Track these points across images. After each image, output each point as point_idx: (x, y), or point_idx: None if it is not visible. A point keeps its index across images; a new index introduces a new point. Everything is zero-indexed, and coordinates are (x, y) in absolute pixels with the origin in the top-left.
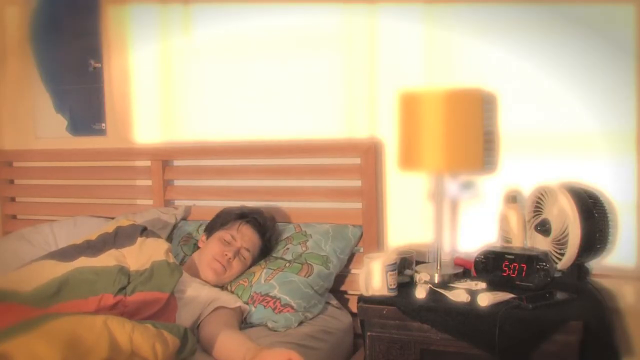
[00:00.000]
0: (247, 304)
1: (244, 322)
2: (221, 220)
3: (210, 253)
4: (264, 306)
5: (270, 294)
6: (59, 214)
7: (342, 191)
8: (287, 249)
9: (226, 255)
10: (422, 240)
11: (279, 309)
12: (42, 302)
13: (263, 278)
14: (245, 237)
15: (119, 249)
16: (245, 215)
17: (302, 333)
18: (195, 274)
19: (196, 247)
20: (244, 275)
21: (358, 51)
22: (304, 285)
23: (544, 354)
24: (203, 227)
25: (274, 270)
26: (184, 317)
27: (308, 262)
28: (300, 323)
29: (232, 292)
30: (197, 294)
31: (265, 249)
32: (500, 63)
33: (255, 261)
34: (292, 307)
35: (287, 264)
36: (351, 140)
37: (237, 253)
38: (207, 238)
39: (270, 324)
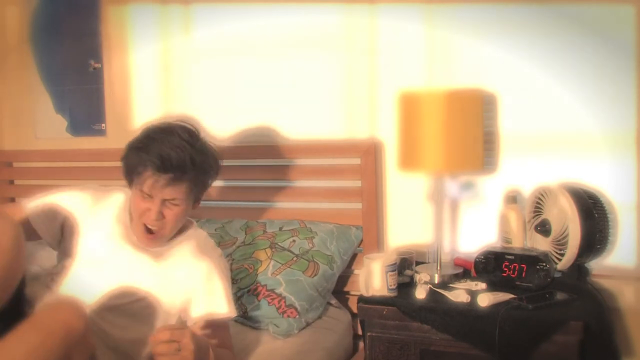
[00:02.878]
0: (249, 291)
1: (245, 317)
2: (133, 160)
3: (135, 210)
4: (269, 302)
5: (276, 291)
6: None
7: (342, 191)
8: (294, 241)
9: (151, 217)
10: (422, 240)
11: (283, 309)
12: None
13: (270, 270)
14: (164, 190)
15: None
16: (154, 161)
17: (302, 338)
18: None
19: None
20: (250, 260)
21: (358, 51)
22: (309, 287)
23: (544, 354)
24: (203, 227)
25: (282, 264)
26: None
27: (315, 260)
28: (302, 329)
29: (234, 278)
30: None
31: (201, 181)
32: (501, 63)
33: (197, 195)
34: (295, 309)
35: (295, 259)
36: (351, 141)
37: (162, 206)
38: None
39: (272, 328)
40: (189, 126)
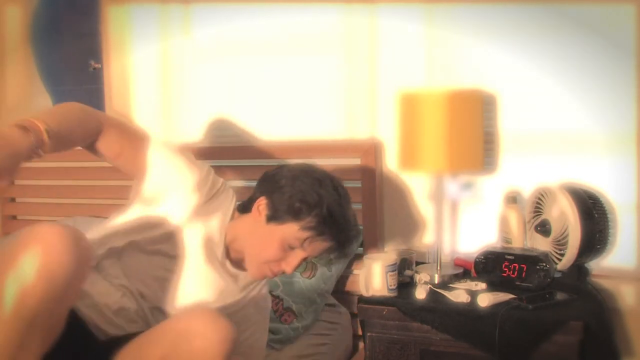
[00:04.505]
0: None
1: None
2: (298, 203)
3: (265, 255)
4: None
5: (274, 293)
6: (58, 214)
7: None
8: None
9: (281, 269)
10: (422, 240)
11: (280, 311)
12: None
13: None
14: (315, 251)
15: None
16: (328, 226)
17: (302, 343)
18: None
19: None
20: None
21: (358, 51)
22: (306, 289)
23: (544, 354)
24: None
25: None
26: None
27: (312, 260)
28: (298, 336)
29: None
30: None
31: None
32: (500, 63)
33: None
34: (292, 312)
35: None
36: (351, 141)
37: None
38: (268, 215)
39: (268, 337)
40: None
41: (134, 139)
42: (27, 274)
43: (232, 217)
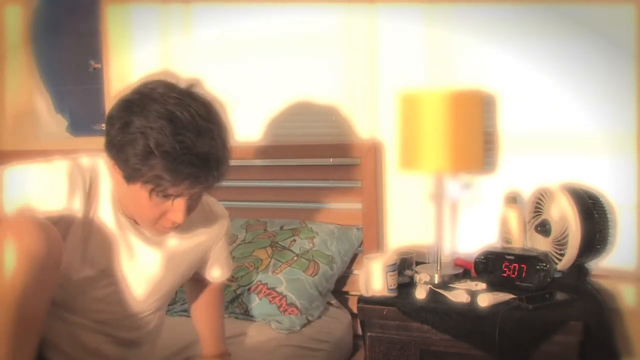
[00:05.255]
0: (250, 289)
1: (245, 314)
2: (129, 158)
3: (146, 217)
4: (270, 301)
5: (277, 290)
6: None
7: (342, 192)
8: (294, 240)
9: (173, 222)
10: (422, 240)
11: (284, 307)
12: None
13: (271, 269)
14: (185, 193)
15: None
16: (173, 165)
17: (304, 335)
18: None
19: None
20: (250, 258)
21: (358, 51)
22: (309, 286)
23: (544, 354)
24: None
25: (283, 263)
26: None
27: (315, 259)
28: (303, 325)
29: (234, 276)
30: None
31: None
32: (500, 63)
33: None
34: (296, 307)
35: (295, 258)
36: (351, 141)
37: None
38: (123, 177)
39: (274, 325)
40: (216, 114)
41: None
42: (8, 263)
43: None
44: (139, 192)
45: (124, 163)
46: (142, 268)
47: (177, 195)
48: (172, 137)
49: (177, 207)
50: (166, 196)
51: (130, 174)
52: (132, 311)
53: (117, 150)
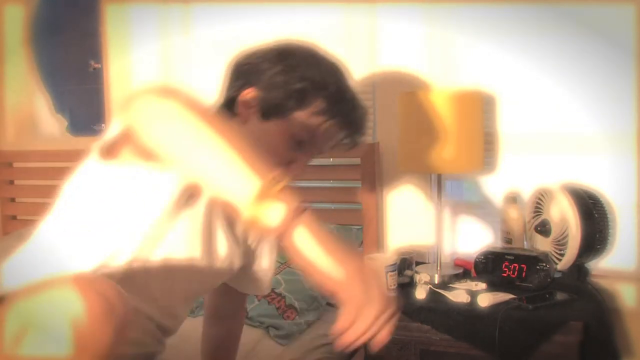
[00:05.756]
0: None
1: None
2: (299, 84)
3: (276, 153)
4: (269, 302)
5: (276, 290)
6: None
7: (342, 192)
8: None
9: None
10: (422, 240)
11: (283, 309)
12: None
13: None
14: (326, 141)
15: None
16: (339, 106)
17: (304, 339)
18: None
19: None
20: None
21: (358, 51)
22: (308, 286)
23: (544, 354)
24: None
25: (282, 263)
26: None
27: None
28: (302, 332)
29: None
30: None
31: None
32: (500, 63)
33: None
34: (295, 309)
35: None
36: None
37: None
38: (263, 109)
39: (272, 332)
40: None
41: None
42: (77, 311)
43: None
44: (278, 128)
45: (276, 88)
46: (222, 261)
47: (313, 144)
48: (346, 82)
49: (303, 158)
50: (305, 140)
51: (285, 102)
52: (188, 298)
53: (266, 75)
